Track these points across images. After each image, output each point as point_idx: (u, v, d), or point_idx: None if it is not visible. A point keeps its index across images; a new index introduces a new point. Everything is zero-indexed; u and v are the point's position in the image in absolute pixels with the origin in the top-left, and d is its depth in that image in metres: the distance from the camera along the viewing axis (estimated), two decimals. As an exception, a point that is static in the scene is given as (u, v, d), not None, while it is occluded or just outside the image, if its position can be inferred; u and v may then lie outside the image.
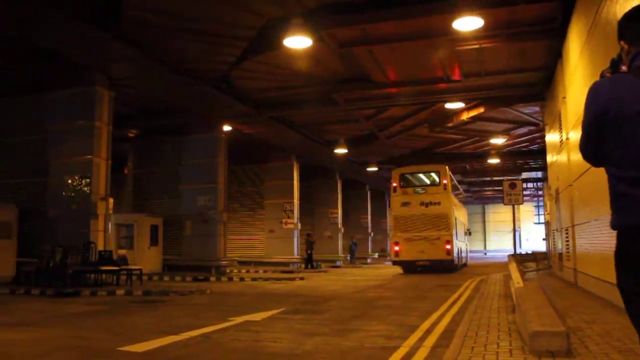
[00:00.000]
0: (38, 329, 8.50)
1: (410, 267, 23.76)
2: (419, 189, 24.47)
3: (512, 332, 6.53)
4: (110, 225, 16.76)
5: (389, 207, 46.48)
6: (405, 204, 24.05)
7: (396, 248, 23.98)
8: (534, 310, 6.05)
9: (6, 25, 13.24)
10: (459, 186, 32.35)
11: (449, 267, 23.41)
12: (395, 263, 24.99)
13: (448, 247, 23.11)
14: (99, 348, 6.87)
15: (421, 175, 25.21)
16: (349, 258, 35.26)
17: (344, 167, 33.03)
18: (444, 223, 23.43)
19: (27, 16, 12.44)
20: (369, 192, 41.41)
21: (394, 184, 24.54)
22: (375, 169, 33.19)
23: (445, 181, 23.98)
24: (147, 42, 14.34)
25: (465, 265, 29.12)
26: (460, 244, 27.01)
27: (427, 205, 23.67)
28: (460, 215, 28.77)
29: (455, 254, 23.91)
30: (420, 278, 20.41)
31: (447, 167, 24.90)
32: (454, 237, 23.96)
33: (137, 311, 10.78)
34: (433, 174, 24.69)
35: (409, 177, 25.01)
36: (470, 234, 36.05)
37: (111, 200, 16.58)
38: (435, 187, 24.11)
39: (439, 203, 23.61)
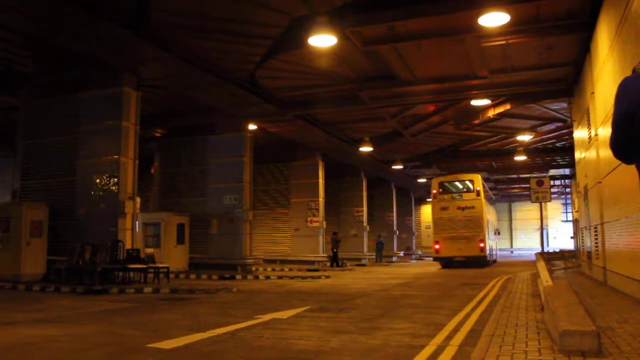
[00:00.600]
0: (72, 325, 8.67)
1: (448, 263, 26.93)
2: (456, 195, 27.71)
3: (540, 331, 6.46)
4: (137, 224, 16.97)
5: (414, 205, 47.04)
6: (444, 208, 27.38)
7: (437, 246, 27.26)
8: (564, 309, 5.97)
9: (41, 28, 13.54)
10: (487, 189, 34.73)
11: (482, 262, 26.55)
12: (435, 259, 28.37)
13: (482, 244, 26.32)
14: (130, 344, 6.97)
15: (457, 183, 28.31)
16: (374, 256, 35.21)
17: (369, 165, 32.98)
18: (477, 224, 26.61)
19: (59, 19, 12.69)
20: (394, 190, 41.26)
21: (434, 191, 27.88)
22: (400, 167, 33.05)
23: (478, 188, 27.29)
24: (175, 42, 14.48)
25: (495, 261, 31.96)
26: (492, 242, 30.31)
27: (463, 209, 27.05)
28: (490, 217, 32.09)
29: (487, 251, 27.11)
30: (447, 277, 20.37)
31: (480, 176, 28.26)
32: (487, 236, 27.02)
33: (165, 309, 10.90)
34: (468, 182, 27.84)
35: (447, 185, 28.21)
36: (499, 233, 39.68)
37: (138, 199, 16.81)
38: (470, 193, 27.37)
39: (473, 207, 26.91)
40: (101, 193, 16.21)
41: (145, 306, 11.27)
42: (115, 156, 16.11)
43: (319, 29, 12.79)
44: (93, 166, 16.45)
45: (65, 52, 15.09)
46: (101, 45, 14.28)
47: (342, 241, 30.56)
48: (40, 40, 14.44)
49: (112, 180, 16.07)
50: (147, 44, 13.82)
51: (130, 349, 6.69)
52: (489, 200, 34.11)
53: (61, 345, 6.87)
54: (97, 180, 16.28)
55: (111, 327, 8.41)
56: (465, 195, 27.39)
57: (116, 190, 15.98)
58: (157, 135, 24.67)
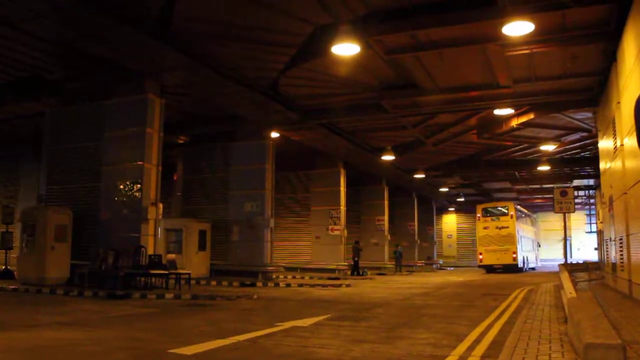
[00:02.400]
0: (94, 329, 8.76)
1: (490, 269, 34.26)
2: (494, 218, 35.45)
3: (564, 343, 6.38)
4: (159, 230, 17.08)
5: (436, 214, 47.12)
6: (485, 228, 35.54)
7: (480, 256, 35.35)
8: (588, 321, 5.88)
9: (66, 35, 13.77)
10: (523, 211, 41.20)
11: (515, 269, 33.60)
12: (480, 266, 35.99)
13: (514, 255, 33.80)
14: (151, 349, 7.03)
15: (499, 208, 36.14)
16: (394, 265, 35.03)
17: (391, 173, 32.88)
18: (511, 240, 34.18)
19: (84, 26, 12.90)
20: (415, 199, 41.04)
21: (478, 214, 36.37)
22: (422, 176, 32.94)
23: (511, 212, 35.07)
24: (198, 49, 14.61)
25: (533, 269, 39.25)
26: (526, 254, 37.83)
27: (500, 228, 34.80)
28: (526, 232, 39.78)
29: (520, 261, 34.51)
30: (469, 287, 20.28)
31: (513, 203, 36.64)
32: (518, 249, 34.34)
33: (186, 314, 10.95)
34: (504, 208, 35.71)
35: (489, 209, 36.18)
36: (539, 245, 48.72)
37: (161, 206, 16.89)
38: (505, 216, 35.11)
39: (507, 227, 34.62)
40: (124, 199, 16.36)
41: (167, 312, 11.34)
42: (139, 162, 16.25)
43: (342, 38, 12.82)
44: (117, 172, 16.61)
45: (90, 59, 15.28)
46: (125, 52, 14.49)
47: (363, 250, 30.45)
48: (66, 47, 14.68)
49: (135, 187, 16.21)
50: (170, 51, 13.97)
51: (151, 354, 6.74)
52: (526, 217, 41.47)
53: (83, 349, 6.94)
54: (121, 186, 16.44)
55: (133, 332, 8.48)
56: (502, 218, 35.00)
57: (139, 196, 16.12)
58: (180, 142, 24.86)
